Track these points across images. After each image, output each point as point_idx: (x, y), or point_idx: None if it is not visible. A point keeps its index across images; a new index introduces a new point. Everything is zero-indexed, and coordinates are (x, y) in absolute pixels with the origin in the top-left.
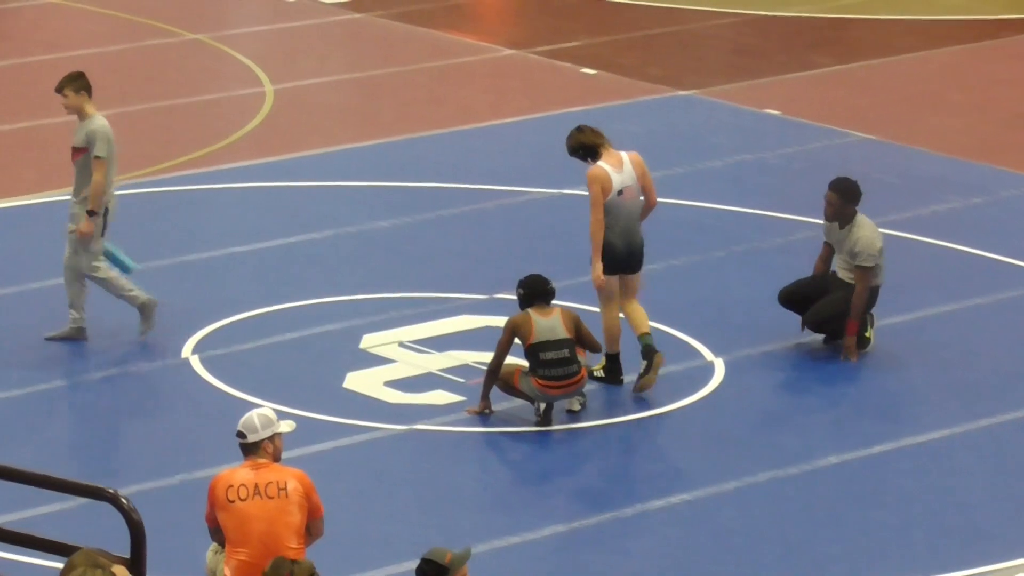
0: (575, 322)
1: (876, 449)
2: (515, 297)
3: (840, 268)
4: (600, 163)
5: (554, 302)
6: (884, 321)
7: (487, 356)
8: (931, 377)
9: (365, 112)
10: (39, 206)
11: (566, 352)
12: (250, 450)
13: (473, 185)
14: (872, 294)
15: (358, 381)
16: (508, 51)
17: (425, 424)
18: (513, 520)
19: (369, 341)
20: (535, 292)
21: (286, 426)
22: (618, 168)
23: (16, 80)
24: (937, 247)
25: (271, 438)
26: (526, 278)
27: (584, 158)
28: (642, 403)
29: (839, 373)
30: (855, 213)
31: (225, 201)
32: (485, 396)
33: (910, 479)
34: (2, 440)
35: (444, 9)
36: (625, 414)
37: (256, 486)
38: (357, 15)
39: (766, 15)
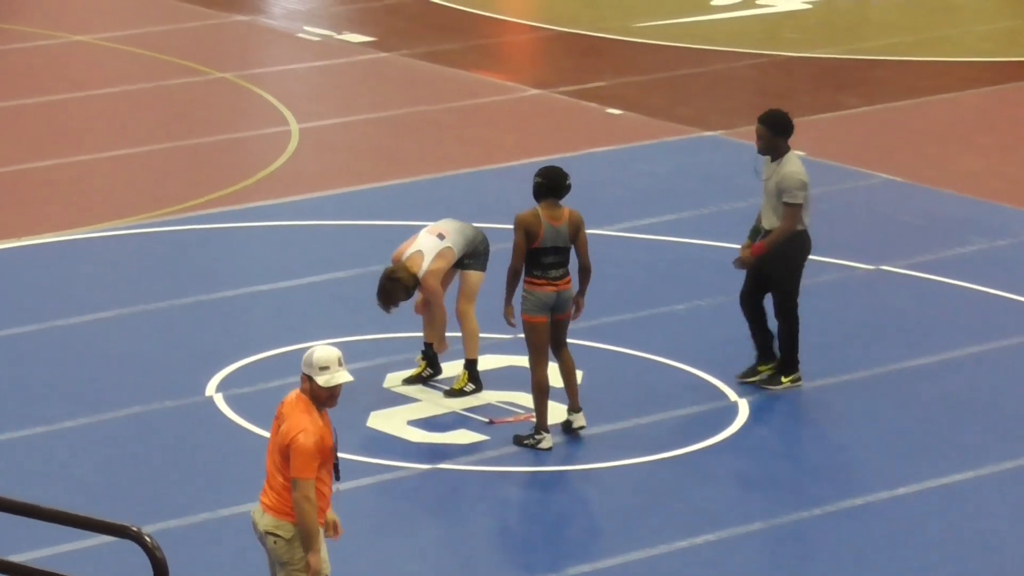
0: (579, 227)
1: (901, 491)
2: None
3: (766, 217)
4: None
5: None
6: (910, 362)
7: (511, 395)
8: (957, 418)
9: (390, 151)
10: (65, 243)
11: (563, 257)
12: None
13: (498, 225)
14: (802, 241)
15: (381, 420)
16: (534, 91)
17: (448, 463)
18: (536, 560)
19: (393, 380)
20: (553, 185)
21: (323, 380)
22: None
23: (43, 118)
24: (963, 289)
25: (308, 378)
26: (546, 168)
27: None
28: (666, 443)
29: (864, 414)
30: (788, 148)
31: (250, 240)
32: (508, 302)
33: (935, 521)
34: (27, 477)
35: (470, 49)
36: (648, 454)
37: (280, 413)
38: (383, 54)
39: (793, 56)
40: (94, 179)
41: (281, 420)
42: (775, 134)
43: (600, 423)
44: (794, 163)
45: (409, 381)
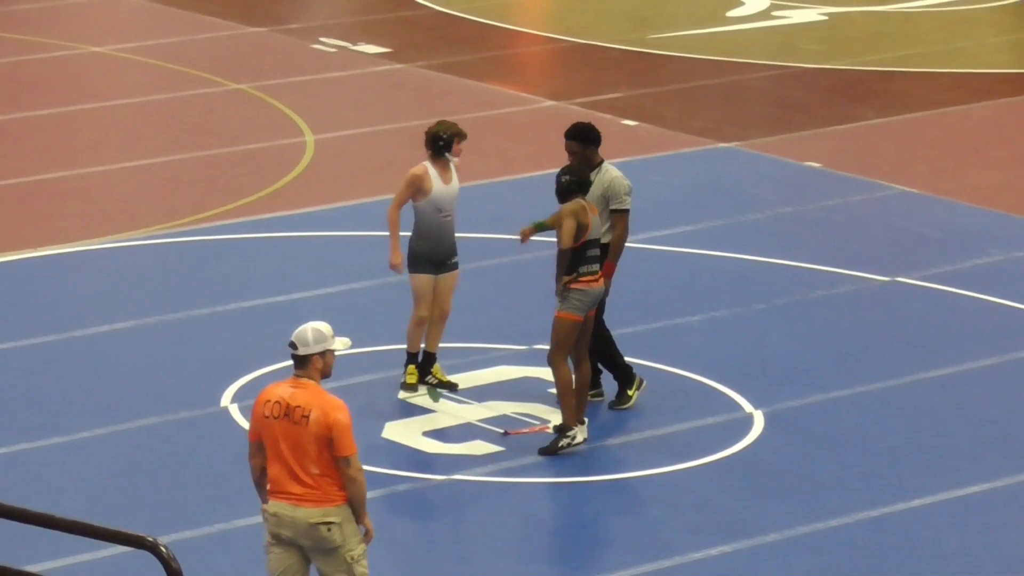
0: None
1: (916, 503)
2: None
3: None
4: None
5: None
6: (925, 374)
7: (526, 407)
8: (971, 431)
9: (406, 162)
10: (81, 254)
11: (600, 249)
12: (299, 363)
13: (513, 236)
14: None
15: (397, 431)
16: (549, 102)
17: (463, 474)
18: (551, 571)
19: (407, 391)
20: (582, 183)
21: (340, 343)
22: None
23: (59, 129)
24: (978, 301)
25: (322, 354)
26: (570, 168)
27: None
28: (681, 454)
29: (879, 426)
30: (602, 160)
31: (265, 251)
32: (563, 276)
33: (950, 533)
34: (43, 488)
35: (485, 60)
36: (663, 465)
37: (288, 407)
38: (398, 66)
39: (808, 68)
40: (110, 190)
41: (299, 412)
42: (585, 146)
43: (616, 434)
44: (614, 171)
45: (409, 388)
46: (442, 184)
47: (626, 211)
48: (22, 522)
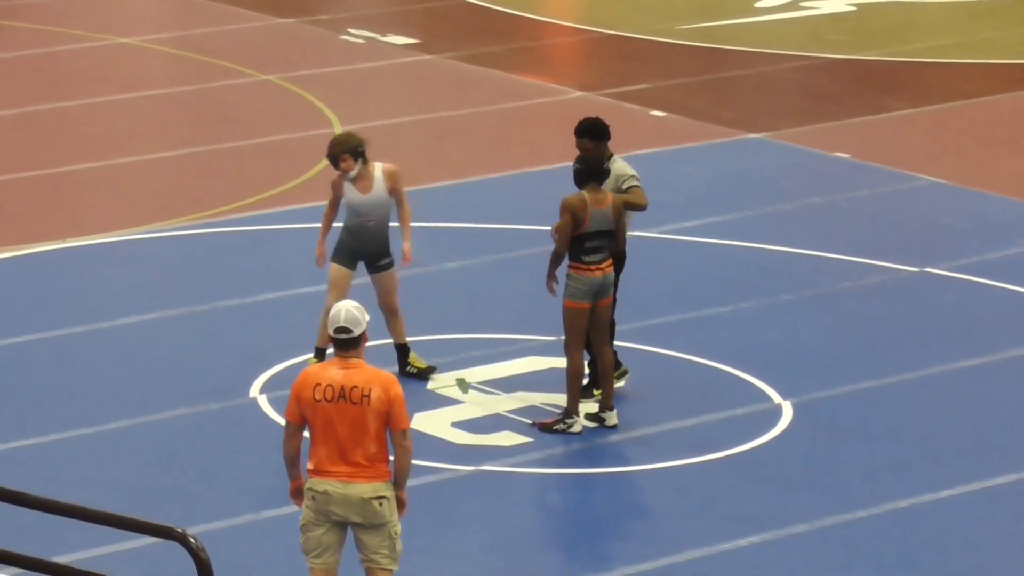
0: (619, 210)
1: (945, 493)
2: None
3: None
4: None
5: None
6: (955, 365)
7: (554, 397)
8: (1000, 421)
9: (434, 153)
10: (109, 245)
11: (607, 241)
12: (350, 345)
13: (541, 227)
14: (621, 257)
15: (425, 422)
16: (578, 93)
17: (492, 465)
18: (580, 562)
19: (437, 382)
20: (593, 170)
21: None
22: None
23: (90, 120)
24: (1008, 291)
25: (365, 330)
26: (584, 156)
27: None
28: (709, 446)
29: (908, 417)
30: (611, 153)
31: (294, 241)
32: (552, 276)
33: (979, 524)
34: (71, 479)
35: (514, 51)
36: (692, 456)
37: (343, 388)
38: (427, 57)
39: (838, 58)
40: (138, 181)
41: (358, 392)
42: (599, 142)
43: (644, 425)
44: (621, 161)
45: (422, 375)
46: (356, 192)
47: (639, 187)
48: (51, 513)
